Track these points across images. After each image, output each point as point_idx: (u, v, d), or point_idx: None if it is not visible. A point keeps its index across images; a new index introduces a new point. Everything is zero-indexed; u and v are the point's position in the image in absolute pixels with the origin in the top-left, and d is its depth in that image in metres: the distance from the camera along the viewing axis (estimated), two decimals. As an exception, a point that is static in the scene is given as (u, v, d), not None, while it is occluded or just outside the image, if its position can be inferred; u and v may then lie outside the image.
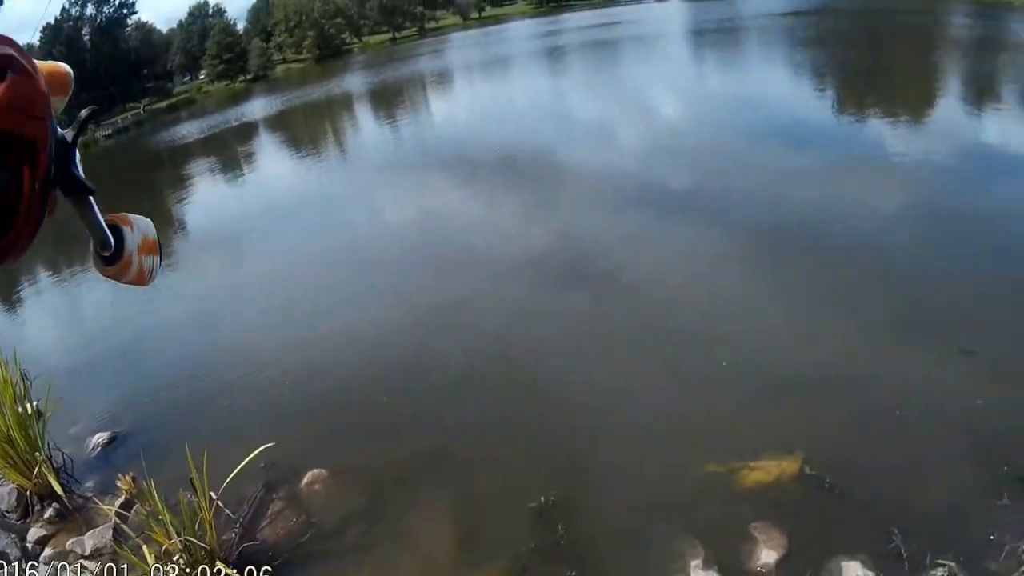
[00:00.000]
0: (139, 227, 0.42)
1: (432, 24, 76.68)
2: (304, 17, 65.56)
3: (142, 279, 0.43)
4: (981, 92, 14.13)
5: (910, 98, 13.71)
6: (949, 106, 12.67)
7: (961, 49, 23.39)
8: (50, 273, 11.29)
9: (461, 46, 47.26)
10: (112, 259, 0.42)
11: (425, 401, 4.90)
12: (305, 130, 25.03)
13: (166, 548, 3.44)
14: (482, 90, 24.97)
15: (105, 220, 0.41)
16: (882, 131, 10.48)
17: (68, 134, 0.48)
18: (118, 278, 0.42)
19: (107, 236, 0.42)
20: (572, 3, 73.40)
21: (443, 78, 30.44)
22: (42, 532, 4.26)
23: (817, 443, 3.79)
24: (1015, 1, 54.99)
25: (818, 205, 7.34)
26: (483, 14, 78.86)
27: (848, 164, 8.77)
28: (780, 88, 15.47)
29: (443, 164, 12.85)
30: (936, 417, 3.84)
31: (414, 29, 74.87)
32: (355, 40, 72.39)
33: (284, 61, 67.72)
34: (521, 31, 50.34)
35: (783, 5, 40.96)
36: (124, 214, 0.42)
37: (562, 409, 4.50)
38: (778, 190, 7.96)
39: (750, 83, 16.40)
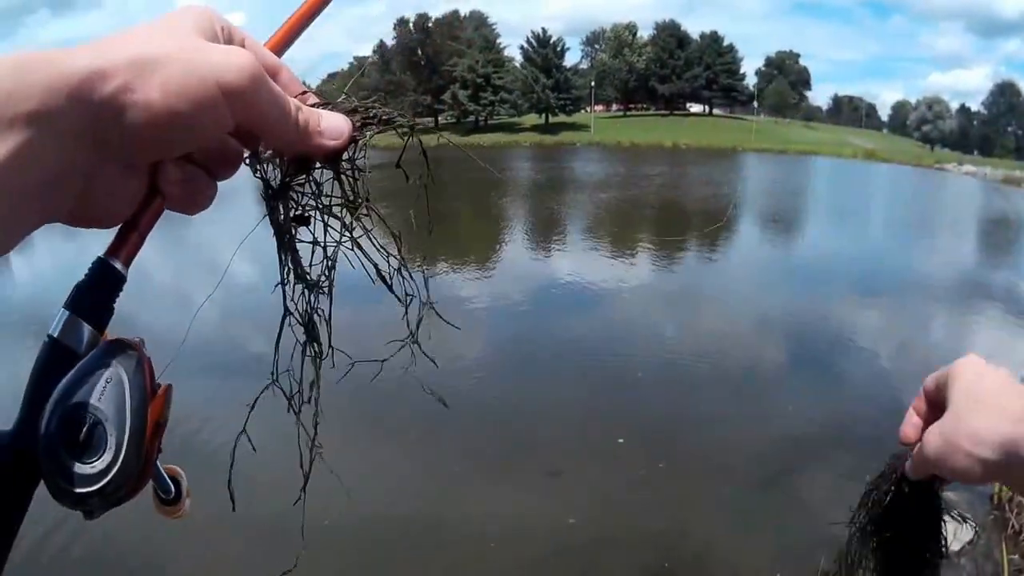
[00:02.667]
0: (185, 477, 0.53)
1: None
2: None
3: (183, 516, 0.52)
4: (545, 233, 16.36)
5: (477, 246, 14.78)
6: (512, 250, 14.41)
7: (526, 191, 25.79)
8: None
9: None
10: (171, 503, 0.48)
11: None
12: None
13: None
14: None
15: (164, 469, 0.46)
16: (447, 280, 11.01)
17: None
18: (169, 516, 0.51)
19: (168, 484, 0.47)
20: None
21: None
22: None
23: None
24: (576, 141, 59.94)
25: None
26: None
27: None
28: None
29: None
30: (526, 544, 4.01)
31: None
32: None
33: None
34: None
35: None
36: (174, 466, 0.52)
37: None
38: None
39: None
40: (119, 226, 0.42)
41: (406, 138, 0.47)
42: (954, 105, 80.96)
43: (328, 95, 0.46)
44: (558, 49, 72.32)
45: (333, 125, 0.44)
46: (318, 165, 0.45)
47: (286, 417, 0.48)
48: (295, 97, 0.44)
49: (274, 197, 0.46)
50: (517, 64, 73.47)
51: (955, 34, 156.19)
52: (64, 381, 0.38)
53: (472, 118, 73.24)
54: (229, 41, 0.42)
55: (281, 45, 0.48)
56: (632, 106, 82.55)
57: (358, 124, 0.45)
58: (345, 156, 0.45)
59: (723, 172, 34.91)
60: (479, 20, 75.09)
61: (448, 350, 7.21)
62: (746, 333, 8.34)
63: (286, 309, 0.47)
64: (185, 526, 3.24)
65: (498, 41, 73.54)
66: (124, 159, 0.38)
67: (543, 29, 72.67)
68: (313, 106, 0.45)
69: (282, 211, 0.46)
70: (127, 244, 0.42)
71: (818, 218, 20.67)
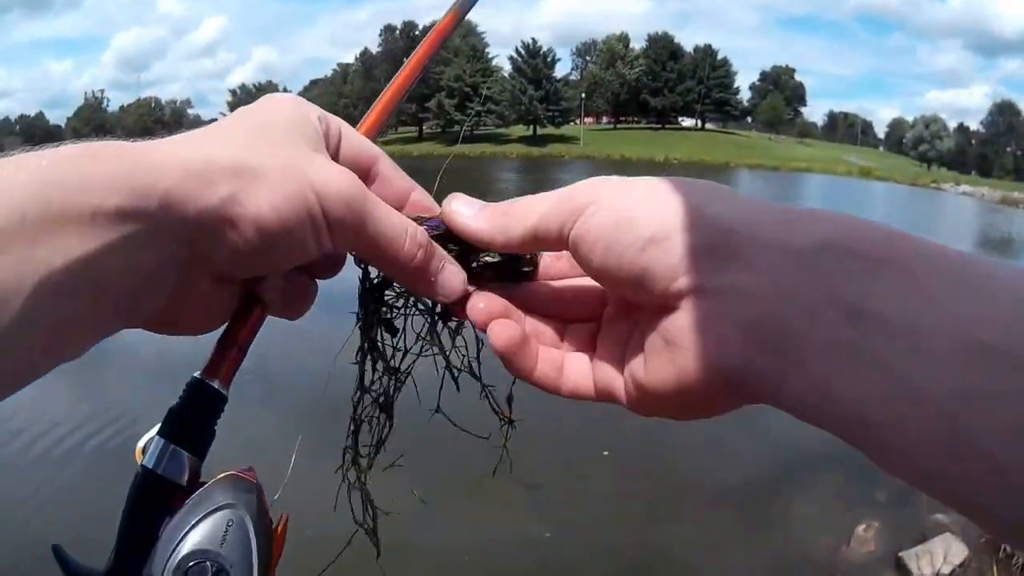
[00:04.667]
0: None
1: None
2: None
3: None
4: None
5: None
6: None
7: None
8: None
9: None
10: None
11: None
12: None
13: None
14: None
15: None
16: None
17: None
18: None
19: None
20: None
21: None
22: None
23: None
24: (565, 154, 59.41)
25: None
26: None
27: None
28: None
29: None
30: (502, 557, 3.99)
31: None
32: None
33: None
34: None
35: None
36: None
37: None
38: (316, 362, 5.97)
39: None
40: (217, 342, 0.40)
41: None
42: (952, 124, 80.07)
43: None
44: (548, 60, 71.08)
45: (449, 284, 0.40)
46: None
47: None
48: (405, 203, 0.42)
49: (368, 293, 0.44)
50: (506, 74, 72.16)
51: (954, 52, 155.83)
52: (177, 520, 0.36)
53: (458, 128, 71.92)
54: (326, 135, 0.39)
55: (375, 129, 0.46)
56: (623, 119, 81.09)
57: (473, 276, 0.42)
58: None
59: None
60: (467, 29, 73.82)
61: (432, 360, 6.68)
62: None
63: (362, 389, 0.45)
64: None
65: (487, 50, 72.40)
66: (217, 271, 0.35)
67: (533, 40, 71.37)
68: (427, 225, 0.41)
69: (373, 309, 0.44)
70: (226, 361, 0.40)
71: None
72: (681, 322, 0.32)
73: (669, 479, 4.85)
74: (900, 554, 3.77)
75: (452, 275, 0.40)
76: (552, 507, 4.44)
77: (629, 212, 0.34)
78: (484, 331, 0.40)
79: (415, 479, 2.96)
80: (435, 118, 72.51)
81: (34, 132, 74.03)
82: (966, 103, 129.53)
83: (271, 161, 0.33)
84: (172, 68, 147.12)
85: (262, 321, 0.40)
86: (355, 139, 0.40)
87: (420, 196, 0.42)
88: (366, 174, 0.39)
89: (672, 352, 0.33)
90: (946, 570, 3.57)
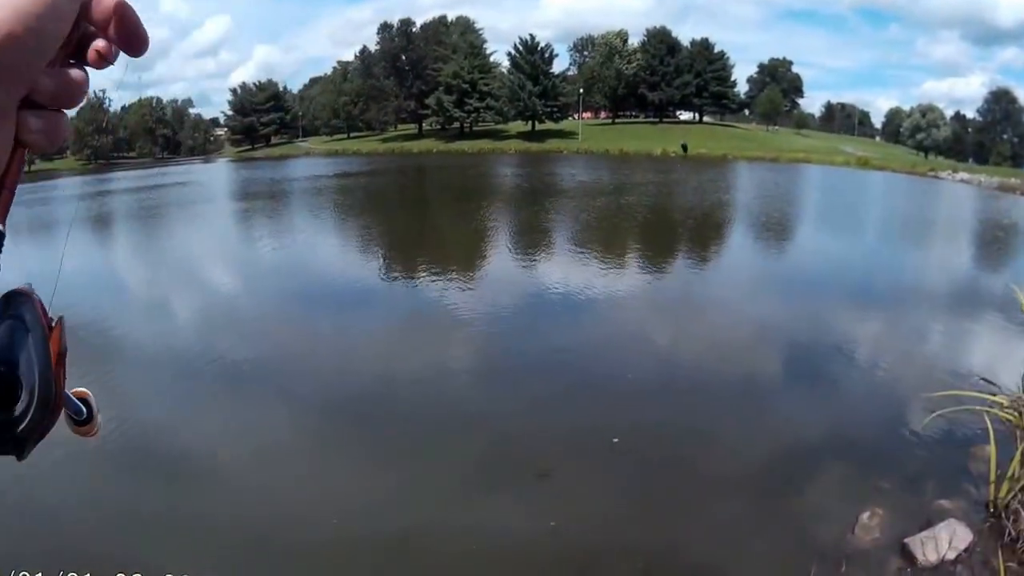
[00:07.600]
0: (93, 397, 0.50)
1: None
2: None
3: (96, 433, 0.51)
4: (532, 239, 15.78)
5: (462, 251, 14.68)
6: (499, 255, 13.97)
7: (510, 197, 26.18)
8: None
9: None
10: (85, 423, 0.49)
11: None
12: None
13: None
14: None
15: (72, 393, 0.48)
16: (435, 287, 10.88)
17: None
18: (84, 435, 0.49)
19: (79, 406, 0.49)
20: (121, 161, 73.08)
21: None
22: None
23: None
24: (563, 149, 60.44)
25: (380, 370, 7.00)
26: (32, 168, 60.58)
27: (407, 325, 8.83)
28: (330, 253, 14.91)
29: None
30: (509, 547, 4.00)
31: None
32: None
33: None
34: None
35: (333, 167, 43.36)
36: (82, 389, 0.49)
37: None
38: (337, 360, 7.43)
39: (303, 250, 15.30)
40: None
41: None
42: (949, 113, 79.88)
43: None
44: (546, 56, 71.19)
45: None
46: None
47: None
48: None
49: None
50: (504, 70, 72.22)
51: (951, 42, 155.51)
52: None
53: (457, 124, 72.02)
54: None
55: None
56: (621, 113, 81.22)
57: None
58: None
59: (723, 179, 34.92)
60: (465, 26, 73.98)
61: (454, 345, 7.90)
62: (743, 340, 8.06)
63: None
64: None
65: (485, 47, 72.51)
66: None
67: (531, 36, 71.48)
68: None
69: None
70: (1, 203, 0.43)
71: (822, 225, 19.96)
72: None
73: (676, 467, 4.86)
74: (905, 540, 3.73)
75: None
76: (559, 495, 4.49)
77: None
78: None
79: (423, 471, 4.66)
80: (434, 115, 72.64)
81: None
82: (963, 92, 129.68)
83: None
84: (175, 68, 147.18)
85: (24, 160, 0.44)
86: None
87: None
88: None
89: None
90: (951, 555, 3.54)
